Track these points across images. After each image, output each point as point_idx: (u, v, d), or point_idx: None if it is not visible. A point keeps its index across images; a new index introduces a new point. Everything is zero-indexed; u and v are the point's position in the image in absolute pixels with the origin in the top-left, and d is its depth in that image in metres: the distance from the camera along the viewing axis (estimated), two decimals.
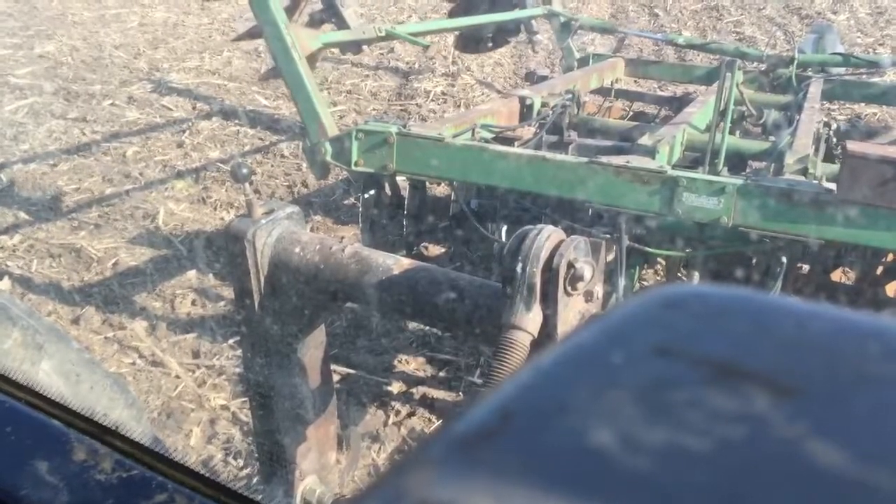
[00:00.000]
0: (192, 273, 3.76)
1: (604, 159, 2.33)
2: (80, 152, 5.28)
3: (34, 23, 8.74)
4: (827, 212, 2.10)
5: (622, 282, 2.38)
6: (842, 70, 4.22)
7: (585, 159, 2.36)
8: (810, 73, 4.11)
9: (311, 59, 2.81)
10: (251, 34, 3.46)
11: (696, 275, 2.56)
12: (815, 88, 3.78)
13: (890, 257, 2.62)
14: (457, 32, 4.82)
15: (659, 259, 2.96)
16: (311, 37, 2.89)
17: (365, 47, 3.45)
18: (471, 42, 4.95)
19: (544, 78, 4.27)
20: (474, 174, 2.49)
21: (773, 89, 4.15)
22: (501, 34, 4.86)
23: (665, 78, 5.03)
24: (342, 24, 3.41)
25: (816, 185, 2.19)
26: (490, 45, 4.95)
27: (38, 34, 8.25)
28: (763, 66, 4.20)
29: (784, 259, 2.42)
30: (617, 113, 4.38)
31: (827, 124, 3.45)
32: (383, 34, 3.16)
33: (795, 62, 4.08)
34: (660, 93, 5.14)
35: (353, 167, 2.56)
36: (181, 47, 8.23)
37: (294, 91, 2.71)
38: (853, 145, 2.11)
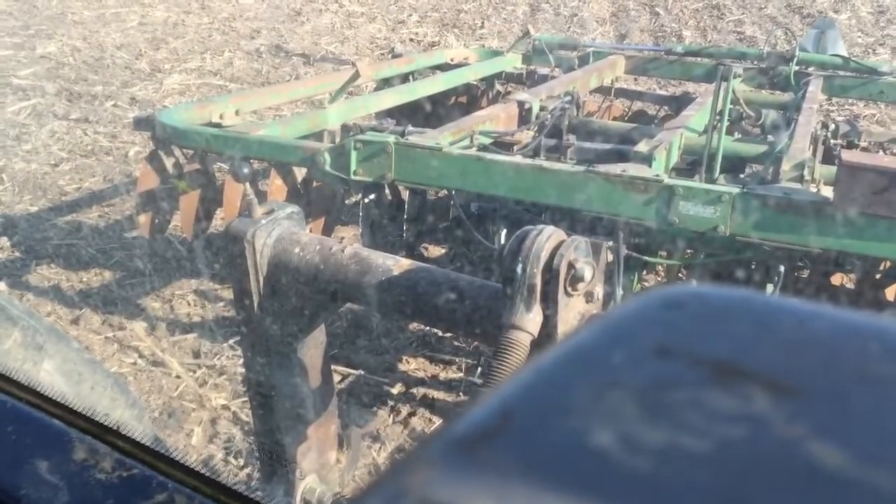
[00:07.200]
0: (191, 273, 3.76)
1: (601, 168, 2.32)
2: (81, 153, 5.28)
3: (34, 22, 8.74)
4: (823, 221, 2.09)
5: (620, 291, 2.38)
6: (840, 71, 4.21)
7: (582, 168, 2.35)
8: (810, 72, 4.10)
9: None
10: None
11: (694, 282, 2.56)
12: (815, 87, 3.76)
13: (887, 264, 2.61)
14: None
15: (657, 265, 2.96)
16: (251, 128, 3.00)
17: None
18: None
19: (545, 77, 4.26)
20: (472, 183, 2.48)
21: (773, 86, 4.13)
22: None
23: (665, 75, 5.01)
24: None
25: (813, 194, 2.19)
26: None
27: (38, 34, 8.24)
28: (763, 64, 4.18)
29: (781, 268, 2.42)
30: (617, 112, 4.37)
31: (825, 125, 3.44)
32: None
33: (795, 60, 4.07)
34: (660, 91, 5.13)
35: (353, 176, 2.55)
36: (182, 47, 8.22)
37: (263, 154, 2.85)
38: (848, 155, 2.11)
